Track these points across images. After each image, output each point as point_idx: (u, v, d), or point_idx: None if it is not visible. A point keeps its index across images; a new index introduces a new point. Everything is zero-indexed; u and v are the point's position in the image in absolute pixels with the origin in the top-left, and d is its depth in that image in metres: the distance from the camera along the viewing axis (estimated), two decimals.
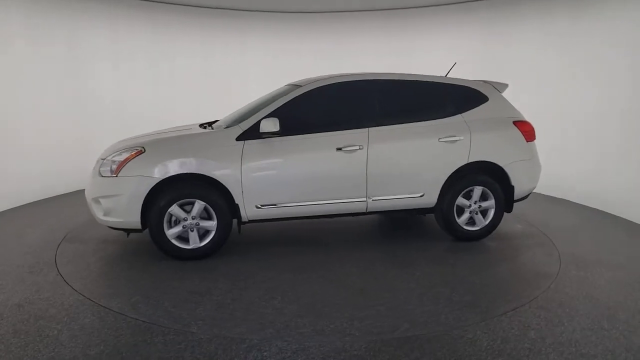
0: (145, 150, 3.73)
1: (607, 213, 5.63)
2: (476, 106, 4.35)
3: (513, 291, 3.33)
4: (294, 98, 3.98)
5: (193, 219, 3.80)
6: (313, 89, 4.04)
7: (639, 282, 3.56)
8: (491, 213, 4.39)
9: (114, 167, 3.70)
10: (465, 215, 4.33)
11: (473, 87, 4.40)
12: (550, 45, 6.41)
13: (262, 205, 3.89)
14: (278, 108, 3.93)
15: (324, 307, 3.02)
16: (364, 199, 4.07)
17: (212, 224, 3.83)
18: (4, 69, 5.45)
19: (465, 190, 4.28)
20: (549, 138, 6.13)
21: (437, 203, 4.28)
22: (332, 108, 4.24)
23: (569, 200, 6.33)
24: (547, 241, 4.50)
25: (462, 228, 4.34)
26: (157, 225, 3.72)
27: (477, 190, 4.29)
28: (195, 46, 7.83)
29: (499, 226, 4.46)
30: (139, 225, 3.74)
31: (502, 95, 4.49)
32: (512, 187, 4.36)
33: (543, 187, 6.65)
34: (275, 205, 3.92)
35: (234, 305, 3.04)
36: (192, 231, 3.82)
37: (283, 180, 3.90)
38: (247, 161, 3.80)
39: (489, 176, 4.30)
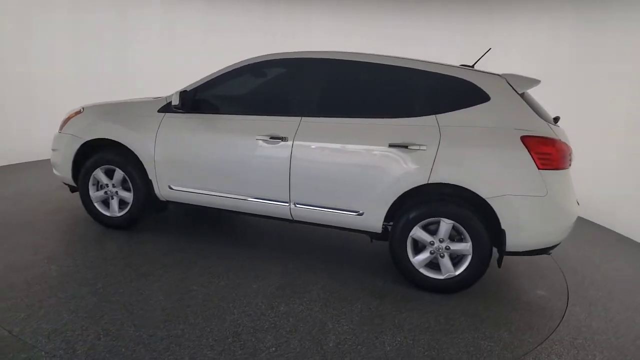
0: (82, 111, 3.80)
1: None
2: (465, 107, 3.04)
3: None
4: (225, 74, 3.47)
5: (114, 186, 3.73)
6: (248, 65, 3.44)
7: None
8: (466, 261, 3.06)
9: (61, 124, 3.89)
10: (424, 255, 3.13)
11: (467, 79, 3.08)
12: None
13: (173, 187, 3.55)
14: (205, 82, 3.49)
15: (96, 307, 2.59)
16: (287, 204, 3.32)
17: (129, 195, 3.69)
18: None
19: (427, 221, 3.09)
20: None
21: (386, 229, 3.22)
22: (267, 88, 3.56)
23: None
24: (556, 315, 2.94)
25: (417, 271, 3.15)
26: (82, 186, 3.78)
27: (445, 225, 3.03)
28: (257, 22, 7.79)
29: (504, 280, 3.10)
30: (72, 182, 3.86)
31: (518, 96, 3.03)
32: (503, 231, 2.94)
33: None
34: (186, 189, 3.53)
35: (43, 280, 2.87)
36: (112, 199, 3.76)
37: (194, 163, 3.48)
38: (162, 136, 3.50)
39: (467, 209, 2.99)
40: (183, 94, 3.33)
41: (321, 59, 3.31)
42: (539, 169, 2.86)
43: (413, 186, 3.02)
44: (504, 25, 6.67)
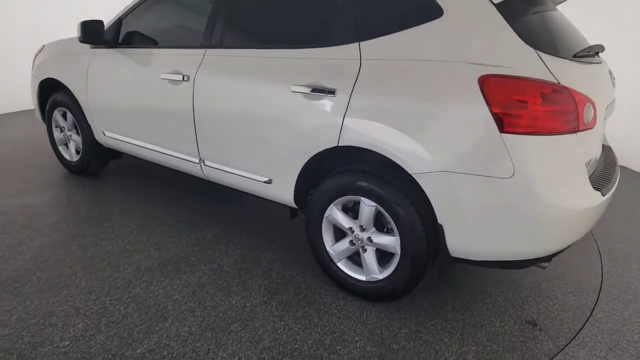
0: (42, 48, 3.62)
1: None
2: (404, 28, 1.93)
3: None
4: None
5: (69, 130, 3.54)
6: None
7: None
8: (394, 262, 2.09)
9: None
10: (343, 245, 2.24)
11: None
12: None
13: (106, 133, 3.19)
14: (127, 10, 2.93)
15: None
16: (197, 161, 2.69)
17: (80, 140, 3.47)
18: None
19: (345, 200, 2.17)
20: None
21: (301, 203, 2.40)
22: (184, 14, 2.82)
23: None
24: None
25: (334, 264, 2.29)
26: (48, 129, 3.68)
27: (366, 208, 2.08)
28: None
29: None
30: (44, 122, 3.79)
31: (493, 8, 1.79)
32: (440, 226, 1.89)
33: None
34: (116, 137, 3.13)
35: None
36: (69, 142, 3.59)
37: (116, 106, 3.03)
38: (91, 74, 3.12)
39: (397, 188, 1.98)
40: (85, 23, 2.83)
41: None
42: (501, 132, 1.69)
43: (322, 149, 2.11)
44: None
